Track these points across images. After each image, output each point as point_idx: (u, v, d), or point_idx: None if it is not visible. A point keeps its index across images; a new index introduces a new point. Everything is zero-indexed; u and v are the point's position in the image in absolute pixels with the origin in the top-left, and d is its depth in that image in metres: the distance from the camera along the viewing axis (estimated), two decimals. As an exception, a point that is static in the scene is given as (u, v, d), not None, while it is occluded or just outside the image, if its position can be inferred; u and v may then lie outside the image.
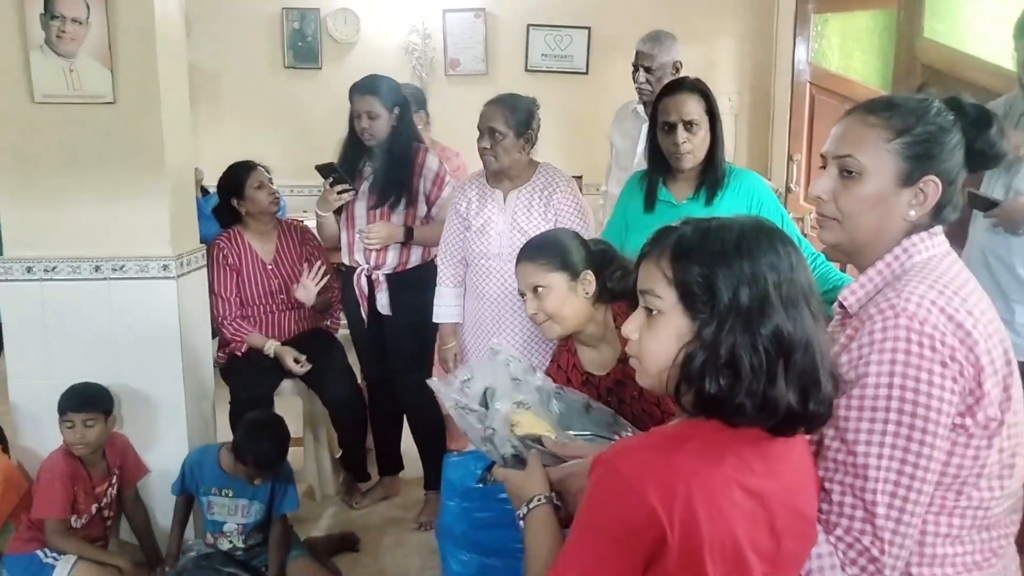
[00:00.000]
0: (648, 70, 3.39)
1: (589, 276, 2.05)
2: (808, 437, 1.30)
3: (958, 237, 2.78)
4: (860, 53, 4.43)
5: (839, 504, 1.26)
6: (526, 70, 5.61)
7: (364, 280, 3.19)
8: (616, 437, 1.56)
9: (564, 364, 2.18)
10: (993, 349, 1.29)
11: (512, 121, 2.73)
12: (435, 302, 2.99)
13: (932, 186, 1.34)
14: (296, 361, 3.17)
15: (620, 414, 1.98)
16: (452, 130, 5.37)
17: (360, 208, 3.16)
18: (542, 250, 2.08)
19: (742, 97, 5.73)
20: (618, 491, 1.07)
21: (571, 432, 1.56)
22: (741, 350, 1.07)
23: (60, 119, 2.72)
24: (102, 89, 2.71)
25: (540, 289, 2.03)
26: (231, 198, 3.31)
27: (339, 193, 3.09)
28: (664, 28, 3.57)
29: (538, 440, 1.47)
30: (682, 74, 3.41)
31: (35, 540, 2.62)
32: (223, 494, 2.73)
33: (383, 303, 3.17)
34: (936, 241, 1.38)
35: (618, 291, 2.07)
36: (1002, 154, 1.40)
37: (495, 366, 1.56)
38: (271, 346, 3.21)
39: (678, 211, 2.49)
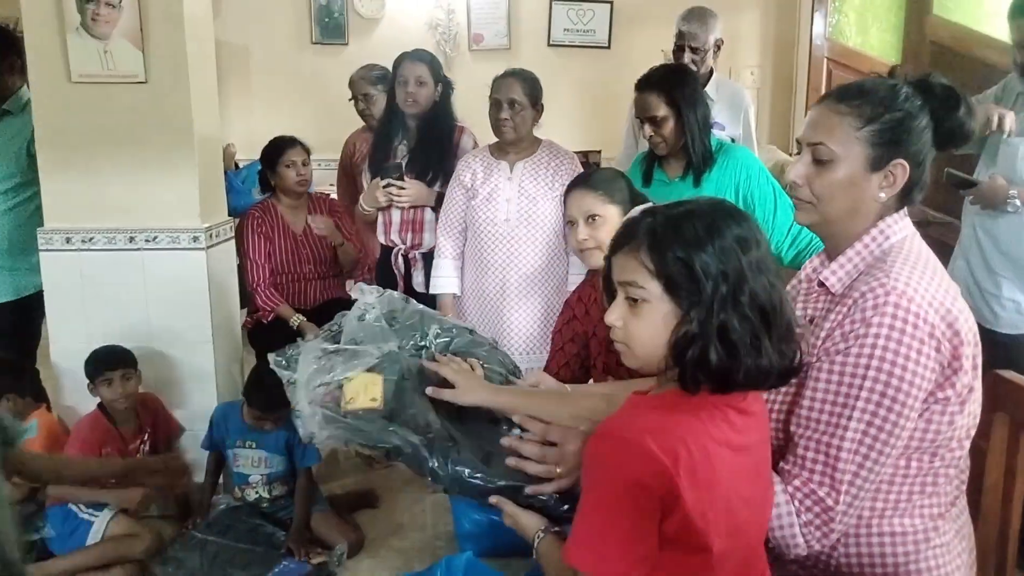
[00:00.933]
0: (695, 50, 3.36)
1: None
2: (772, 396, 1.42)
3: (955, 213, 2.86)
4: (876, 29, 4.44)
5: (802, 458, 1.36)
6: (548, 44, 5.66)
7: (401, 260, 3.21)
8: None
9: (585, 298, 2.27)
10: (966, 322, 1.39)
11: (528, 91, 2.86)
12: (433, 273, 3.06)
13: (900, 169, 1.43)
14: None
15: None
16: (475, 105, 5.47)
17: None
18: (602, 182, 2.14)
19: (764, 71, 5.74)
20: (627, 457, 1.14)
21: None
22: (732, 323, 1.16)
23: (95, 98, 2.87)
24: (134, 69, 2.85)
25: (596, 218, 2.10)
26: (266, 170, 3.49)
27: (390, 191, 3.08)
28: (690, 3, 3.58)
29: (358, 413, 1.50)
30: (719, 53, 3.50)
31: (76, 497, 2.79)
32: (247, 445, 2.90)
33: (419, 281, 3.17)
34: (905, 223, 1.48)
35: None
36: (970, 132, 1.48)
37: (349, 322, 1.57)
38: (296, 320, 3.35)
39: (670, 188, 2.64)
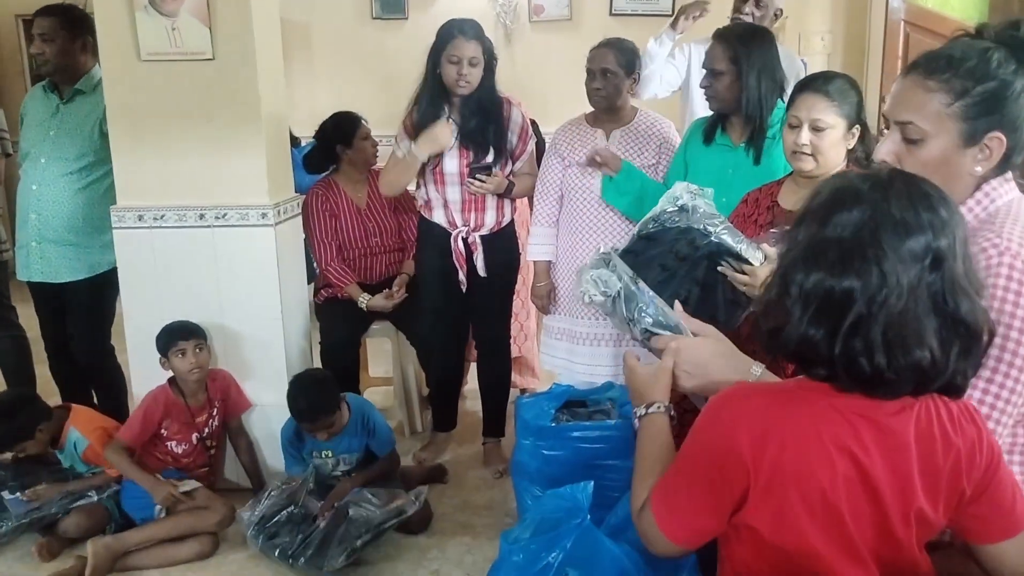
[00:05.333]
0: (757, 3, 3.38)
1: (857, 130, 2.08)
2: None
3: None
4: (957, -11, 4.25)
5: None
6: (611, 14, 5.57)
7: (461, 243, 3.12)
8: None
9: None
10: None
11: (623, 61, 2.87)
12: (530, 240, 3.10)
13: (997, 142, 1.36)
14: (387, 298, 3.32)
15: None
16: (536, 75, 5.41)
17: (451, 164, 3.05)
18: (837, 91, 2.06)
19: (835, 36, 5.55)
20: (715, 436, 1.18)
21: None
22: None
23: (164, 75, 2.88)
24: (202, 46, 2.85)
25: (821, 126, 2.03)
26: (337, 145, 3.44)
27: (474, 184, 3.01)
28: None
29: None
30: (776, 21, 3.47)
31: (144, 465, 2.85)
32: (324, 456, 2.89)
33: (481, 265, 3.12)
34: (1010, 186, 1.42)
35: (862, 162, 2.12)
36: None
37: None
38: (364, 300, 3.34)
39: (735, 153, 2.59)
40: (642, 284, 1.60)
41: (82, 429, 2.92)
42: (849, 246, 1.10)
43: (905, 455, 1.14)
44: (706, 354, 1.45)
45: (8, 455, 2.96)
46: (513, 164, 3.15)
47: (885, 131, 1.47)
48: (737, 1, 3.45)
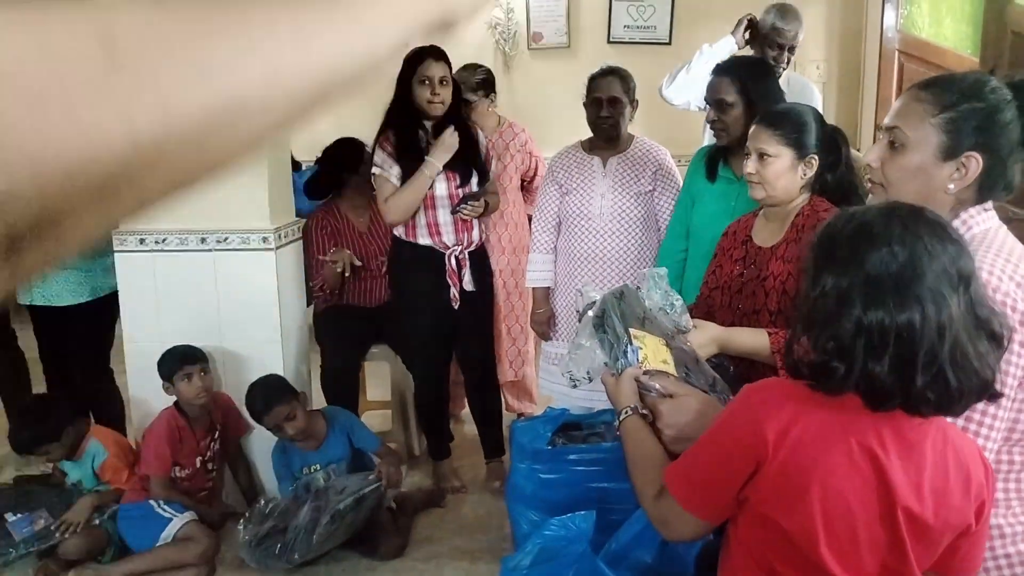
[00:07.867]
0: (791, 50, 3.27)
1: (814, 160, 2.04)
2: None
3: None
4: (951, 20, 4.31)
5: None
6: (609, 42, 5.61)
7: (455, 261, 3.10)
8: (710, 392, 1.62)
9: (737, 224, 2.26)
10: None
11: (627, 88, 2.91)
12: (529, 268, 3.13)
13: (973, 162, 1.39)
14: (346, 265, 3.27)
15: (743, 287, 2.05)
16: (535, 102, 5.46)
17: (441, 187, 3.02)
18: (783, 121, 2.07)
19: (830, 65, 5.61)
20: (743, 417, 1.23)
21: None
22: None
23: (168, 100, 2.91)
24: (205, 70, 2.88)
25: (766, 157, 2.04)
26: (343, 172, 3.44)
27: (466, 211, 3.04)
28: (751, -1, 3.51)
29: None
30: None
31: (146, 490, 2.87)
32: (313, 470, 2.91)
33: (468, 279, 3.12)
34: (989, 215, 1.45)
35: (830, 186, 2.10)
36: None
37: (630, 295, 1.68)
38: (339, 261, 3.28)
39: (738, 186, 2.56)
40: (634, 343, 1.58)
41: (102, 442, 2.94)
42: (902, 281, 1.12)
43: (920, 462, 1.16)
44: (691, 415, 1.45)
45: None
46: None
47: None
48: (765, 47, 3.28)
